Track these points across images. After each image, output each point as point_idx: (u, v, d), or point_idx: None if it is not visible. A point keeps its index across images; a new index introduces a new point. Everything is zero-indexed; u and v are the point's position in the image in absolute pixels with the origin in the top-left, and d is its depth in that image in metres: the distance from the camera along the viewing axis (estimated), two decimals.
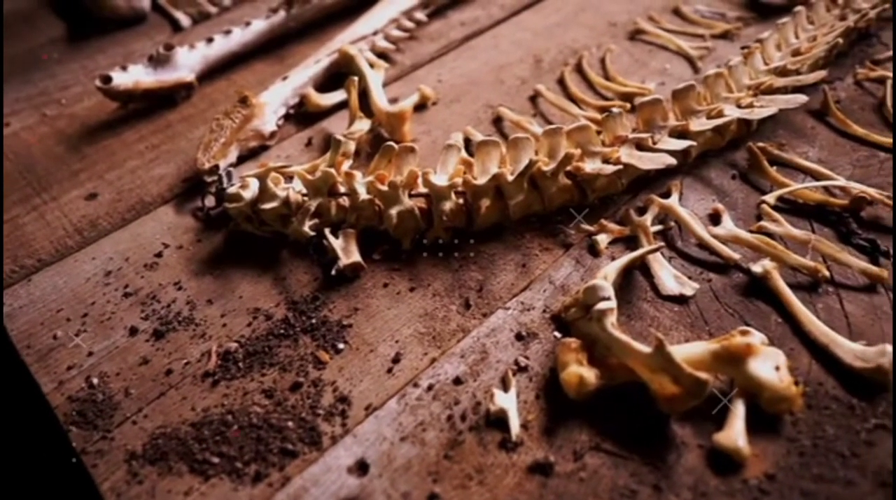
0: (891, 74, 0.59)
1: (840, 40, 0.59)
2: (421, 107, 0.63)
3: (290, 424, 0.39)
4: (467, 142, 0.56)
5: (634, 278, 0.46)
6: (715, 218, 0.49)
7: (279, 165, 0.51)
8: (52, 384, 0.42)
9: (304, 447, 0.38)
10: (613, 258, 0.47)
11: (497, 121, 0.61)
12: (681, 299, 0.44)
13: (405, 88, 0.66)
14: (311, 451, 0.38)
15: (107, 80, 0.61)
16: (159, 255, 0.51)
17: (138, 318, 0.46)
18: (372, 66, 0.64)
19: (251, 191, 0.49)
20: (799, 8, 0.63)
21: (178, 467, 0.37)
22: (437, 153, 0.50)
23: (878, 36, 0.65)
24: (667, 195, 0.51)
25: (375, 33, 0.69)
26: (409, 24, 0.72)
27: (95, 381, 0.42)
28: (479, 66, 0.68)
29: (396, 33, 0.71)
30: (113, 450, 0.38)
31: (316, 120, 0.63)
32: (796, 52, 0.59)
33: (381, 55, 0.69)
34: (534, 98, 0.63)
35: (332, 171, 0.49)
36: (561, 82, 0.64)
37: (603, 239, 0.48)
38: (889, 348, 0.38)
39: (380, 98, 0.60)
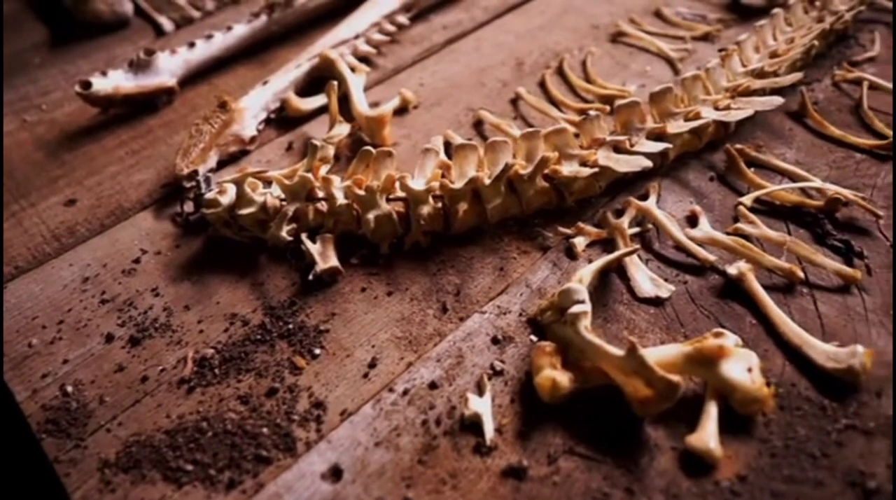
0: (867, 76, 0.59)
1: (816, 42, 0.59)
2: (402, 110, 0.63)
3: (264, 430, 0.39)
4: (448, 145, 0.57)
5: (611, 281, 0.46)
6: (692, 220, 0.50)
7: (257, 170, 0.51)
8: (26, 393, 0.42)
9: (279, 453, 0.38)
10: (590, 261, 0.47)
11: (478, 124, 0.61)
12: (656, 302, 0.44)
13: (387, 91, 0.66)
14: (285, 457, 0.38)
15: (86, 85, 0.61)
16: (137, 261, 0.50)
17: (115, 325, 0.46)
18: (353, 69, 0.65)
19: (228, 196, 0.49)
20: (777, 10, 0.63)
21: (151, 475, 0.37)
22: (418, 157, 0.50)
23: (857, 37, 0.66)
24: (645, 197, 0.51)
25: (357, 37, 0.70)
26: (391, 28, 0.72)
27: (70, 389, 0.42)
28: (461, 70, 0.68)
29: (378, 37, 0.71)
30: (86, 458, 0.38)
31: (297, 124, 0.63)
32: (774, 54, 0.59)
33: (363, 59, 0.69)
34: (515, 101, 0.63)
35: (310, 176, 0.49)
36: (542, 85, 0.65)
37: (580, 242, 0.48)
38: (860, 348, 0.38)
39: (360, 102, 0.60)
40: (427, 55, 0.71)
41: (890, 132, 0.54)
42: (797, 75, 0.56)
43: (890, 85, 0.58)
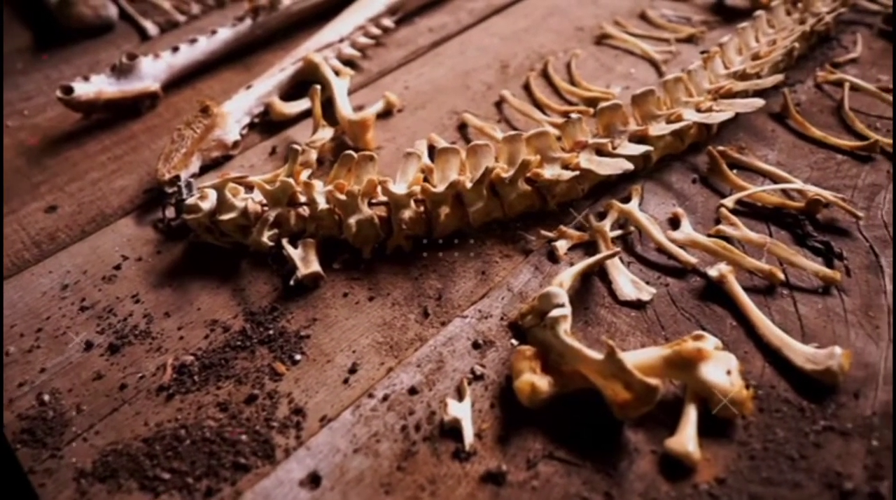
0: (849, 77, 0.60)
1: (798, 44, 0.59)
2: (386, 114, 0.63)
3: (243, 437, 0.39)
4: (431, 149, 0.56)
5: (593, 284, 0.46)
6: (675, 222, 0.50)
7: (238, 175, 0.51)
8: (2, 402, 0.41)
9: (257, 460, 0.38)
10: (572, 264, 0.47)
11: (462, 127, 0.61)
12: (638, 305, 0.44)
13: (372, 95, 0.65)
14: (263, 465, 0.37)
15: (68, 90, 0.61)
16: (118, 267, 0.50)
17: (94, 332, 0.45)
18: (338, 73, 0.64)
19: (209, 202, 0.49)
20: (759, 12, 0.63)
21: (127, 484, 0.37)
22: (400, 161, 0.50)
23: (839, 39, 0.66)
24: (627, 200, 0.51)
25: (342, 40, 0.69)
26: (377, 31, 0.72)
27: (47, 398, 0.41)
28: (446, 73, 0.68)
29: (363, 40, 0.71)
30: (62, 468, 0.38)
31: (281, 128, 0.62)
32: (756, 56, 0.59)
33: (348, 62, 0.69)
34: (499, 104, 0.63)
35: (291, 180, 0.48)
36: (527, 88, 0.65)
37: (562, 245, 0.48)
38: (838, 350, 0.38)
39: (343, 106, 0.60)
40: (412, 58, 0.70)
41: (870, 134, 0.54)
42: (779, 77, 0.56)
43: (870, 86, 0.58)
